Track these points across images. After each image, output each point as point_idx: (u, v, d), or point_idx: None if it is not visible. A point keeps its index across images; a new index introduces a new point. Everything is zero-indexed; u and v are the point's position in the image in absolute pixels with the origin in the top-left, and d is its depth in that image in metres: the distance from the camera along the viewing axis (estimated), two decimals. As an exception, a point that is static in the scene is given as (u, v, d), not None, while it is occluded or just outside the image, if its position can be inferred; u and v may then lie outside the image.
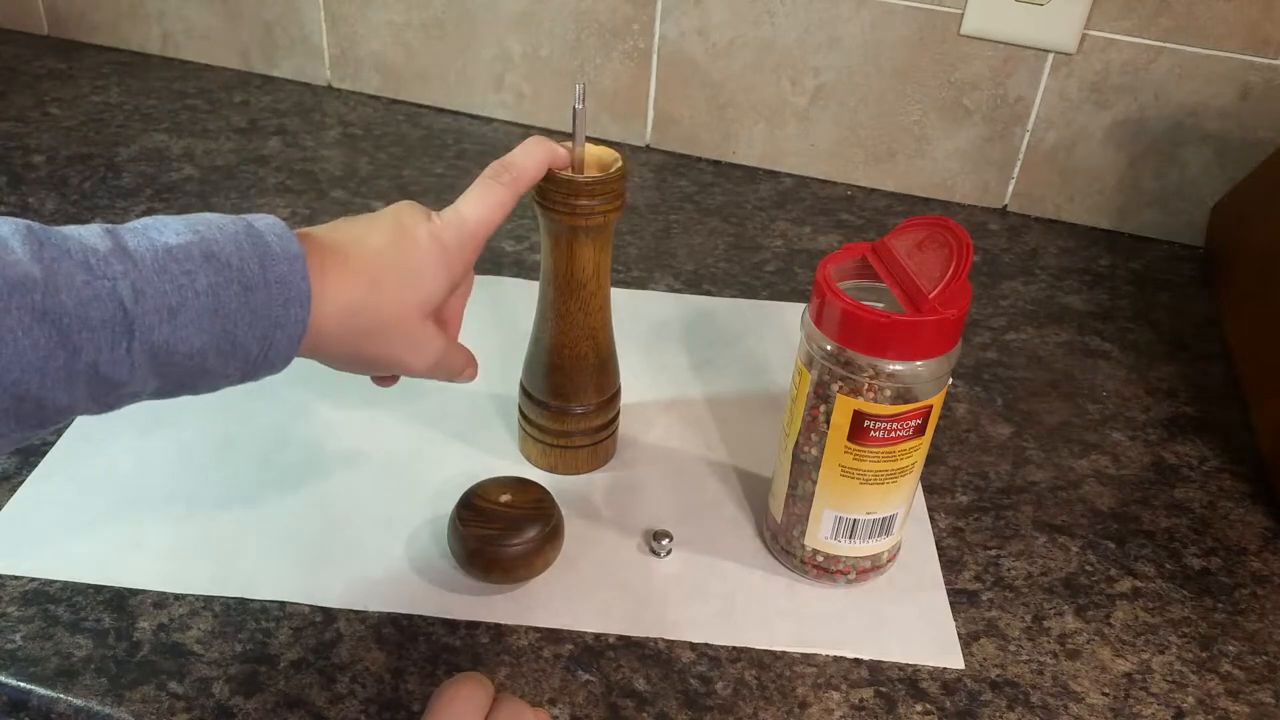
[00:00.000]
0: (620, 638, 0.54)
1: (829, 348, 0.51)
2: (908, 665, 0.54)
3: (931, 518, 0.63)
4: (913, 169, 0.96)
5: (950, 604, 0.58)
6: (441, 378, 0.54)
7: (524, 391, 0.63)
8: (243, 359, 0.44)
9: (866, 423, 0.51)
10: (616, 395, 0.64)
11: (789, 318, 0.79)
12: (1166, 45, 0.85)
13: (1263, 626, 0.58)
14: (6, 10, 1.16)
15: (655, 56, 0.97)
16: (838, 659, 0.54)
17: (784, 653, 0.54)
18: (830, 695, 0.52)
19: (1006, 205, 0.96)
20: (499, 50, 1.00)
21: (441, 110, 1.06)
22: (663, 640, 0.54)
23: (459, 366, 0.55)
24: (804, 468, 0.55)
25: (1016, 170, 0.94)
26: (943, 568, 0.60)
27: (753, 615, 0.56)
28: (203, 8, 1.08)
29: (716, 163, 1.01)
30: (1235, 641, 0.57)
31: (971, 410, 0.72)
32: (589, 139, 0.56)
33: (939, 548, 0.61)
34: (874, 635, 0.56)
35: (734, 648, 0.54)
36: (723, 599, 0.57)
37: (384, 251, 0.48)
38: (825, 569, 0.57)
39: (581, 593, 0.57)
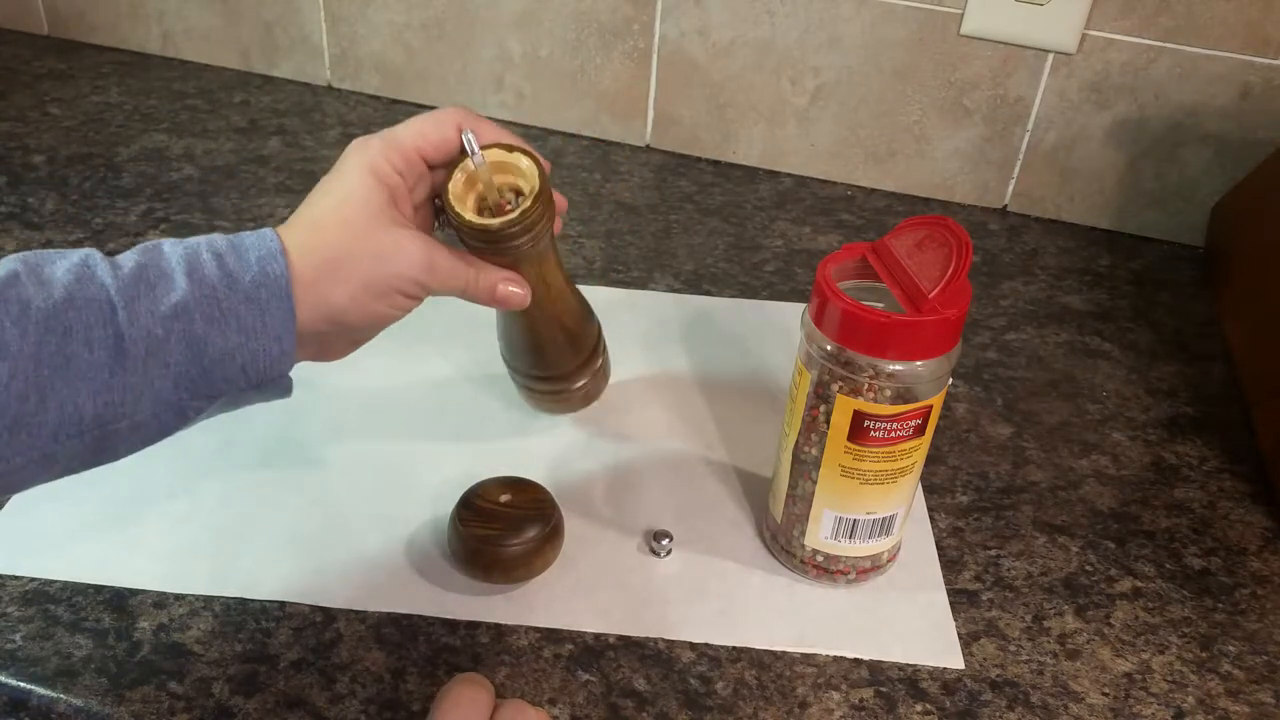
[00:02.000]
0: (620, 638, 0.54)
1: (829, 348, 0.51)
2: (908, 665, 0.54)
3: (931, 518, 0.63)
4: (913, 169, 0.96)
5: (950, 604, 0.58)
6: (456, 286, 0.52)
7: (506, 363, 0.64)
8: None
9: (866, 423, 0.51)
10: (597, 339, 0.64)
11: (789, 318, 0.79)
12: (1166, 45, 0.85)
13: (1263, 626, 0.58)
14: (6, 10, 1.16)
15: (655, 56, 0.97)
16: (838, 659, 0.54)
17: (784, 653, 0.54)
18: (830, 695, 0.52)
19: (1006, 205, 0.96)
20: (499, 50, 1.00)
21: (441, 110, 1.06)
22: (663, 640, 0.54)
23: (460, 269, 0.52)
24: (804, 468, 0.55)
25: (1016, 170, 0.94)
26: (943, 568, 0.60)
27: (753, 615, 0.56)
28: (203, 8, 1.08)
29: (716, 163, 1.01)
30: (1235, 641, 0.57)
31: (971, 410, 0.72)
32: (502, 146, 0.53)
33: (939, 548, 0.61)
34: (874, 635, 0.56)
35: (734, 648, 0.54)
36: (723, 599, 0.57)
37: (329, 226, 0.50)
38: (825, 569, 0.57)
39: (581, 593, 0.57)
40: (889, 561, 0.59)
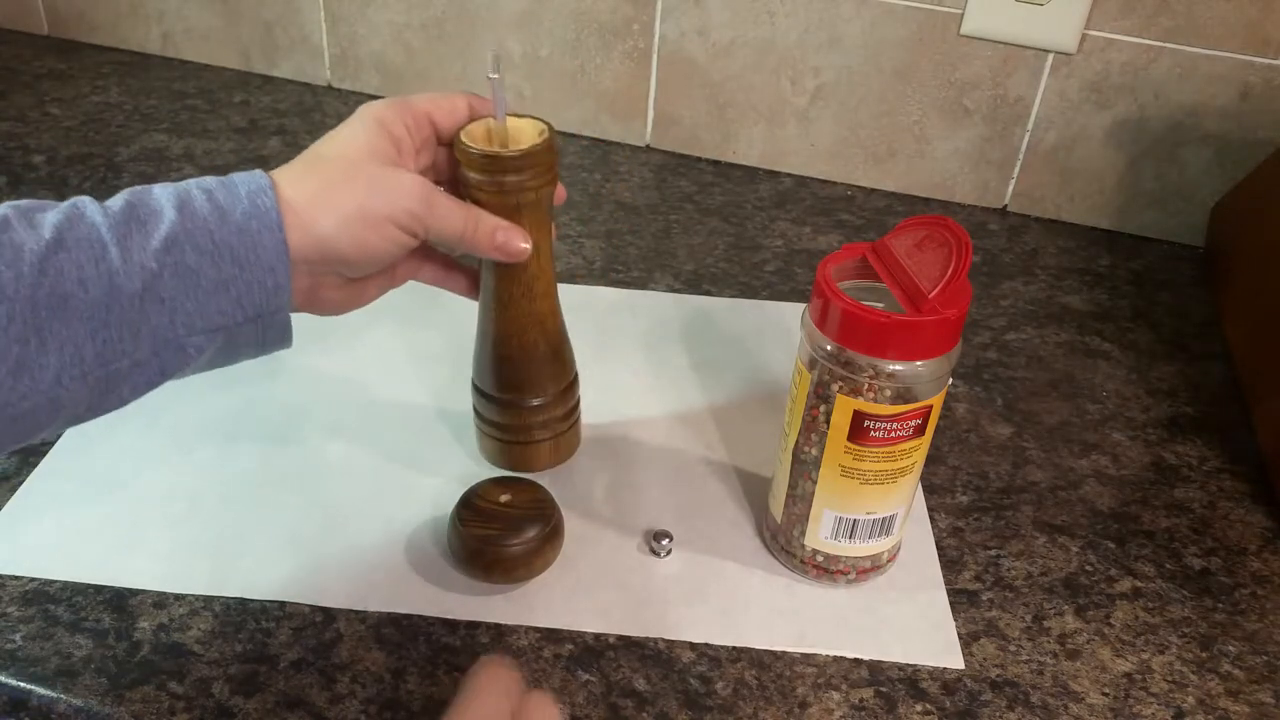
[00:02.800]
0: (620, 638, 0.54)
1: (829, 348, 0.51)
2: (908, 665, 0.54)
3: (931, 518, 0.63)
4: (913, 169, 0.96)
5: (950, 604, 0.58)
6: (454, 226, 0.52)
7: (476, 389, 0.61)
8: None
9: (866, 423, 0.51)
10: (574, 384, 0.62)
11: (789, 318, 0.79)
12: (1166, 45, 0.85)
13: (1263, 626, 0.58)
14: (6, 10, 1.16)
15: (655, 56, 0.97)
16: (838, 659, 0.54)
17: (784, 653, 0.54)
18: (830, 695, 0.52)
19: (1006, 205, 0.96)
20: (499, 50, 1.00)
21: (441, 110, 1.06)
22: (663, 640, 0.54)
23: (459, 209, 0.52)
24: (804, 468, 0.55)
25: (1016, 170, 0.94)
26: (943, 568, 0.60)
27: (753, 615, 0.56)
28: (203, 8, 1.08)
29: (716, 163, 1.01)
30: (1235, 641, 0.57)
31: (971, 410, 0.72)
32: (510, 114, 0.53)
33: (939, 548, 0.61)
34: (874, 635, 0.56)
35: (734, 648, 0.54)
36: (723, 599, 0.57)
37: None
38: (825, 569, 0.57)
39: (581, 593, 0.57)
40: (889, 561, 0.59)
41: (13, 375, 0.42)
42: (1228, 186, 0.88)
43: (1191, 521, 0.65)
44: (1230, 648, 0.57)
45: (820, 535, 0.56)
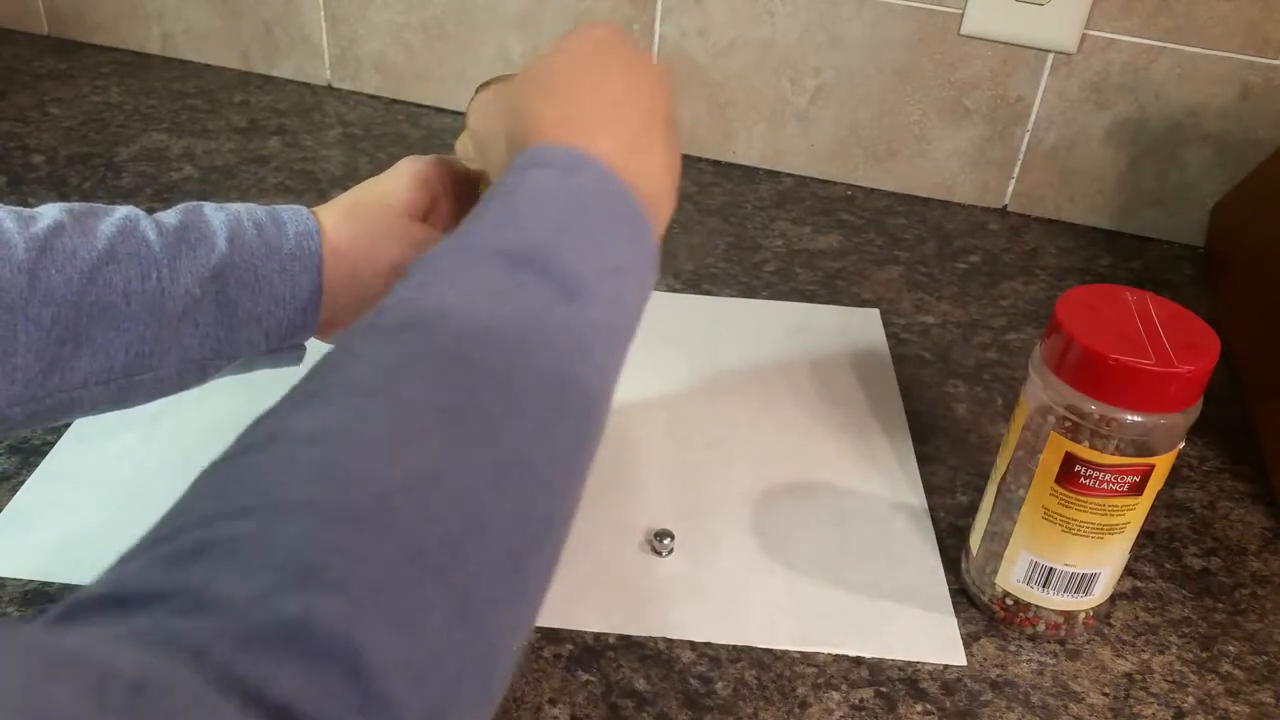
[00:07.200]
0: (620, 638, 0.54)
1: (1062, 391, 0.49)
2: (908, 665, 0.54)
3: (932, 518, 0.63)
4: (913, 169, 0.96)
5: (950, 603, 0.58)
6: None
7: None
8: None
9: (1077, 468, 0.50)
10: None
11: (788, 318, 0.79)
12: (1166, 45, 0.85)
13: (1263, 626, 0.58)
14: (6, 10, 1.16)
15: (655, 56, 0.96)
16: (838, 658, 0.54)
17: (784, 652, 0.54)
18: (830, 695, 0.52)
19: (1006, 205, 0.96)
20: (499, 50, 1.00)
21: (441, 110, 1.06)
22: (663, 640, 0.54)
23: None
24: (1008, 507, 0.54)
25: (1016, 170, 0.94)
26: (943, 568, 0.60)
27: (754, 614, 0.56)
28: (203, 8, 1.08)
29: (716, 163, 1.00)
30: (1235, 641, 0.57)
31: (971, 410, 0.72)
32: None
33: (939, 548, 0.61)
34: (875, 633, 0.56)
35: (734, 647, 0.54)
36: (724, 598, 0.57)
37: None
38: (1013, 614, 0.56)
39: (582, 592, 0.57)
40: (1085, 626, 0.56)
41: (44, 374, 0.43)
42: (1228, 186, 0.88)
43: (1191, 521, 0.65)
44: (1230, 648, 0.57)
45: (1013, 578, 0.55)
